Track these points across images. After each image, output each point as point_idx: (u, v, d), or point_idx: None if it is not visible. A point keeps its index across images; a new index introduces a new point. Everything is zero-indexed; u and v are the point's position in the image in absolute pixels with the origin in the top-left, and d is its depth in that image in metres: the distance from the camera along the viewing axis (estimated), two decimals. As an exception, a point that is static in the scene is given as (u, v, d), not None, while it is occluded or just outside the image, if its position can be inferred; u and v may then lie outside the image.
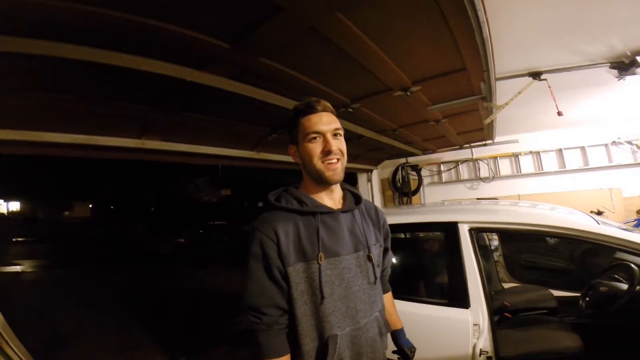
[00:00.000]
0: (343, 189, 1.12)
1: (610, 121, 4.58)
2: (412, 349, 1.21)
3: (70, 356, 3.24)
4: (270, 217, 0.97)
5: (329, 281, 0.94)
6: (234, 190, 22.84)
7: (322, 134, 0.98)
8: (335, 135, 1.00)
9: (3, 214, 27.75)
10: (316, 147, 0.98)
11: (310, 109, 1.00)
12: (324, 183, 1.01)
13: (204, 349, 3.40)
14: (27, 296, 5.52)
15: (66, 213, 28.48)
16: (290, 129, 1.06)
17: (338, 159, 0.99)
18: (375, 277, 1.04)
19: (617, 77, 2.52)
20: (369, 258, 1.03)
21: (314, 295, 0.93)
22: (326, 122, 0.99)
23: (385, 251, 1.21)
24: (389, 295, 1.28)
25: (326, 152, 0.98)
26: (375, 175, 6.06)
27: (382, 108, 2.68)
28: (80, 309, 4.80)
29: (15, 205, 29.75)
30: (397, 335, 1.24)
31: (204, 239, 10.84)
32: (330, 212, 1.01)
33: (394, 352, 1.22)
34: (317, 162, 0.98)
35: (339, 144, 1.00)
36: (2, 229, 18.13)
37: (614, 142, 4.67)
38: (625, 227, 1.75)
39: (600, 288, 2.06)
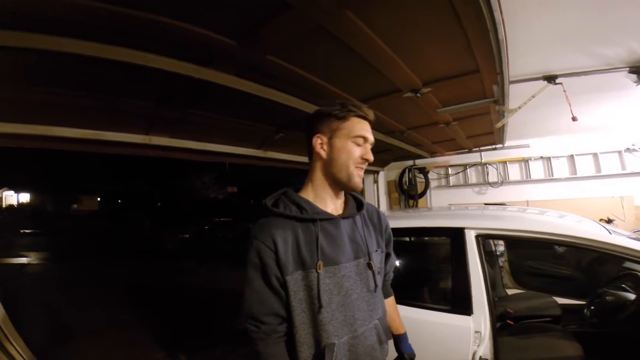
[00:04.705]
0: (345, 193, 1.09)
1: (625, 128, 4.47)
2: (412, 355, 1.17)
3: (70, 352, 3.24)
4: (268, 224, 0.95)
5: (327, 290, 0.92)
6: (240, 187, 22.92)
7: (367, 142, 1.00)
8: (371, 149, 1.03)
9: (12, 205, 28.26)
10: (358, 151, 0.99)
11: (364, 115, 1.01)
12: (343, 187, 1.01)
13: (205, 346, 3.40)
14: (31, 289, 5.56)
15: (74, 206, 28.88)
16: (328, 118, 1.00)
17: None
18: (376, 285, 1.02)
19: (635, 82, 2.44)
20: (369, 266, 1.01)
21: (312, 303, 0.92)
22: (371, 133, 1.02)
23: (388, 256, 1.19)
24: (391, 299, 1.25)
25: (364, 160, 0.99)
26: (381, 176, 6.01)
27: (391, 109, 2.65)
28: (82, 304, 4.81)
29: (24, 197, 30.27)
30: (399, 340, 1.20)
31: (208, 236, 10.89)
32: (330, 218, 0.98)
33: None
34: (351, 165, 0.98)
35: None
36: (11, 221, 18.40)
37: (627, 149, 4.55)
38: (635, 237, 1.70)
39: (607, 297, 2.03)
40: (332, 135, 0.99)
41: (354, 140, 0.98)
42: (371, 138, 1.01)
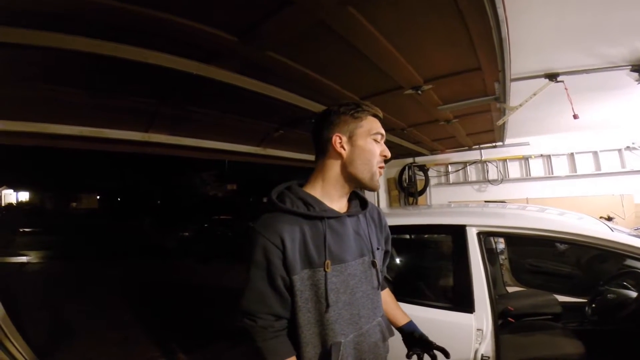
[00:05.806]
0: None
1: (625, 126, 4.47)
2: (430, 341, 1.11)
3: (69, 350, 3.23)
4: (274, 220, 0.92)
5: (334, 289, 0.91)
6: (240, 185, 22.86)
7: (383, 139, 1.01)
8: None
9: (11, 204, 28.19)
10: (378, 148, 0.99)
11: (377, 115, 1.02)
12: (363, 186, 1.00)
13: (204, 344, 3.40)
14: (31, 288, 5.55)
15: (73, 204, 28.80)
16: (343, 118, 0.98)
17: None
18: (379, 283, 1.02)
19: (636, 80, 2.44)
20: (373, 264, 1.01)
21: (319, 302, 0.90)
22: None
23: (386, 253, 1.18)
24: (388, 291, 1.24)
25: (383, 157, 1.00)
26: (381, 174, 6.01)
27: (391, 106, 2.63)
28: (81, 303, 4.80)
29: (23, 196, 30.22)
30: (412, 328, 1.15)
31: (208, 233, 10.85)
32: (337, 216, 0.97)
33: (411, 351, 1.10)
34: (375, 164, 0.98)
35: None
36: (10, 220, 18.33)
37: (627, 147, 4.56)
38: (636, 234, 1.70)
39: (609, 295, 2.03)
40: (352, 134, 0.97)
41: (374, 138, 0.98)
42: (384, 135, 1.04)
